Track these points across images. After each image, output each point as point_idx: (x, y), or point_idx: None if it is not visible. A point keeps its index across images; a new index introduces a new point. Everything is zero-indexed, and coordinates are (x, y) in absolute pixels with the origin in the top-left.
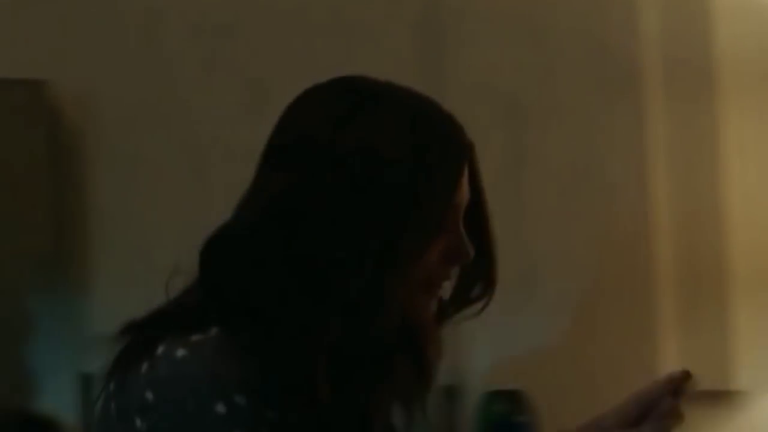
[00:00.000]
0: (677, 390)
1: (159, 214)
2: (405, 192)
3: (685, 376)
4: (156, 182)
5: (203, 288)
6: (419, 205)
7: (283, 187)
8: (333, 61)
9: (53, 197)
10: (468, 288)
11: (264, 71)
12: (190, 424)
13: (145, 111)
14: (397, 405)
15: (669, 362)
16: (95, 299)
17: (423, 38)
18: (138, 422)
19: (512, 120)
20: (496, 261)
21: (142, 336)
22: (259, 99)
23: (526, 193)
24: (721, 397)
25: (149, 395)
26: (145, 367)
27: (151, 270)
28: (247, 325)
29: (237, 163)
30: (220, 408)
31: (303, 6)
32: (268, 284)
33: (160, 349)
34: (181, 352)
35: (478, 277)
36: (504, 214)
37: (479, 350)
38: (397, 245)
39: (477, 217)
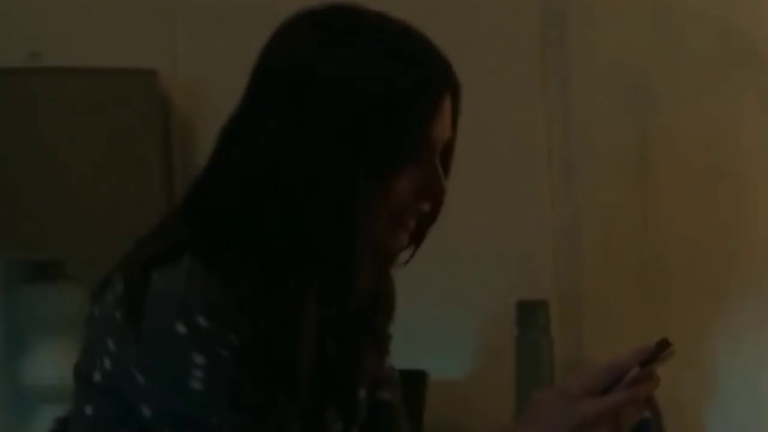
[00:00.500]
0: (652, 358)
1: None
2: (376, 120)
3: (664, 343)
4: None
5: (184, 218)
6: (389, 135)
7: (263, 117)
8: (455, 43)
9: (165, 189)
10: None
11: None
12: (154, 343)
13: None
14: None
15: None
16: None
17: (547, 21)
18: (110, 344)
19: (638, 102)
20: (437, 211)
21: (127, 263)
22: None
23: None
24: None
25: (117, 315)
26: (120, 289)
27: None
28: (220, 253)
29: None
30: (181, 328)
31: None
32: (242, 213)
33: (138, 274)
34: (154, 276)
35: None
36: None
37: None
38: (365, 170)
39: (445, 164)
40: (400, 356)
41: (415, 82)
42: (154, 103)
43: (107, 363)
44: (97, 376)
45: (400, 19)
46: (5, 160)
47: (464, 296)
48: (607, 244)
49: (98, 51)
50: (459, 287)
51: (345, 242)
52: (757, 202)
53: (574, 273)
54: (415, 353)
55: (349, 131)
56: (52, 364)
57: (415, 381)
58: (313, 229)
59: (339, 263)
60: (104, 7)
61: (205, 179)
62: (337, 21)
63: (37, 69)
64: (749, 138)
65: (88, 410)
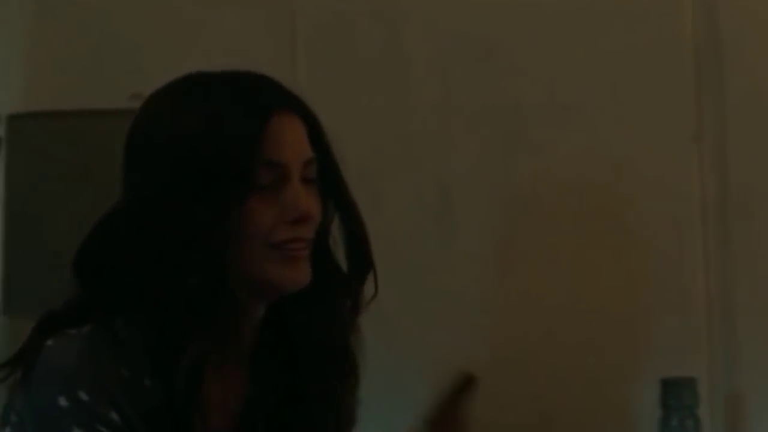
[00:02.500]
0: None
1: (399, 257)
2: (201, 160)
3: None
4: (395, 216)
5: (76, 278)
6: (217, 170)
7: (127, 188)
8: (606, 84)
9: None
10: (348, 264)
11: (520, 96)
12: (38, 413)
13: (377, 139)
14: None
15: None
16: None
17: (700, 58)
18: (12, 416)
19: None
20: (357, 234)
21: (36, 332)
22: (515, 126)
23: None
24: None
25: (20, 383)
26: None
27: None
28: (112, 319)
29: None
30: (63, 402)
31: (567, 26)
32: (127, 281)
33: (36, 339)
34: (49, 343)
35: (346, 251)
36: None
37: None
38: (205, 209)
39: (329, 184)
40: None
41: (230, 117)
42: None
43: (14, 418)
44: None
45: (240, 69)
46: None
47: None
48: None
49: None
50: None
51: (213, 280)
52: None
53: (728, 348)
54: None
55: (182, 177)
56: None
57: None
58: (182, 278)
59: (209, 301)
60: (207, 46)
61: (89, 240)
62: (171, 87)
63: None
64: None
65: None
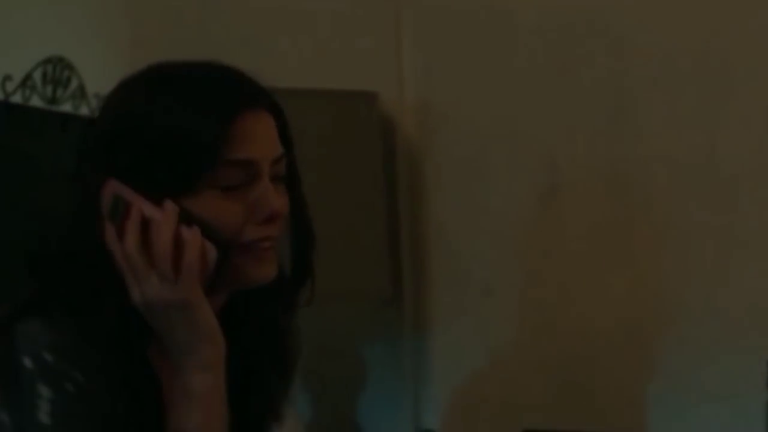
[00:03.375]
0: None
1: (507, 239)
2: (168, 150)
3: None
4: (503, 198)
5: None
6: (171, 170)
7: (80, 177)
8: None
9: (388, 219)
10: (296, 252)
11: (627, 74)
12: (7, 379)
13: (485, 122)
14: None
15: None
16: (435, 345)
17: None
18: None
19: None
20: (305, 237)
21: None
22: (625, 108)
23: None
24: None
25: None
26: None
27: (505, 306)
28: (72, 303)
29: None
30: (28, 362)
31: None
32: (72, 275)
33: (5, 326)
34: (17, 326)
35: (294, 239)
36: None
37: None
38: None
39: (290, 181)
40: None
41: (200, 111)
42: (375, 127)
43: None
44: None
45: (212, 60)
46: None
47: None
48: None
49: (319, 73)
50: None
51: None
52: None
53: None
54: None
55: (147, 164)
56: None
57: None
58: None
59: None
60: (325, 28)
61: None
62: (147, 75)
63: None
64: None
65: None
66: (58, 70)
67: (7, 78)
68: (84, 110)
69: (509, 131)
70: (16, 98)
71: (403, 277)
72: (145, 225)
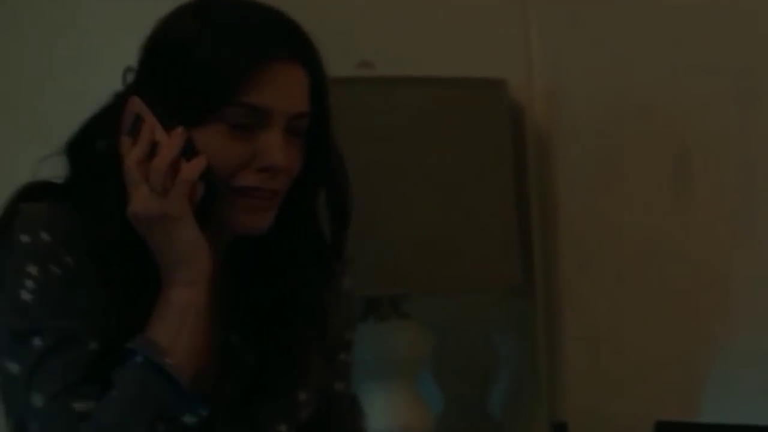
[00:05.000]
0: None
1: (638, 226)
2: (180, 81)
3: None
4: (633, 186)
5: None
6: (184, 92)
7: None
8: None
9: (518, 210)
10: (330, 219)
11: (756, 56)
12: (4, 248)
13: (615, 107)
14: None
15: None
16: (566, 335)
17: None
18: None
19: None
20: (337, 192)
21: (14, 197)
22: (760, 94)
23: None
24: None
25: None
26: None
27: (637, 295)
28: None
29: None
30: (24, 238)
31: None
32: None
33: (12, 206)
34: (22, 206)
35: (327, 207)
36: None
37: None
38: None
39: (320, 142)
40: None
41: (227, 49)
42: (503, 114)
43: None
44: None
45: (270, 7)
46: None
47: None
48: None
49: (447, 60)
50: None
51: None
52: None
53: None
54: None
55: (167, 89)
56: (384, 412)
57: None
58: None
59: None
60: (452, 15)
61: (85, 124)
62: (196, 3)
63: (368, 78)
64: None
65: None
66: None
67: (129, 70)
68: None
69: (640, 117)
70: None
71: (533, 265)
72: (154, 148)
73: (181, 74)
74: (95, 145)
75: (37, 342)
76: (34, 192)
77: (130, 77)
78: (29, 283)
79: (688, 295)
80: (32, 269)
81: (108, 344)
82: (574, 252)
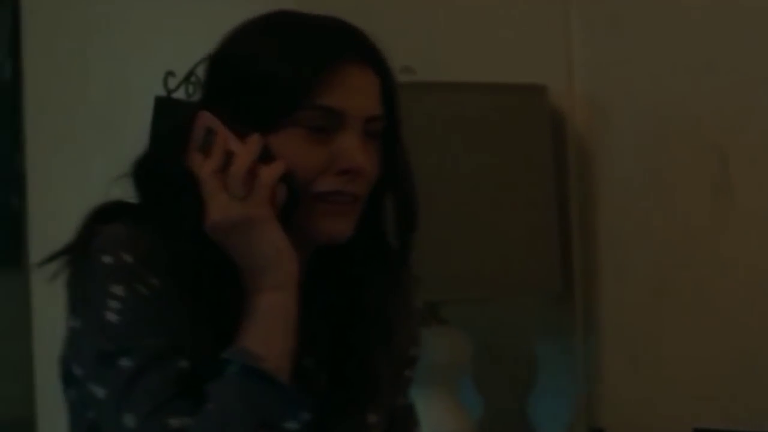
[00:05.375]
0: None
1: (678, 233)
2: (249, 89)
3: None
4: (674, 193)
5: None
6: (254, 99)
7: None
8: None
9: (559, 217)
10: (397, 223)
11: None
12: (83, 273)
13: (655, 114)
14: None
15: None
16: (606, 342)
17: None
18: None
19: None
20: (406, 195)
21: (90, 219)
22: None
23: None
24: None
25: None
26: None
27: (676, 303)
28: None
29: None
30: (107, 259)
31: None
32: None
33: (92, 225)
34: (102, 226)
35: (394, 211)
36: None
37: None
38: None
39: (391, 145)
40: None
41: (297, 54)
42: (544, 120)
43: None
44: (77, 369)
45: (331, 16)
46: None
47: None
48: None
49: (488, 66)
50: None
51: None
52: None
53: None
54: None
55: (238, 98)
56: (424, 418)
57: None
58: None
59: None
60: (494, 21)
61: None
62: (264, 19)
63: (409, 84)
64: None
65: (67, 406)
66: None
67: (170, 74)
68: None
69: (680, 123)
70: (179, 95)
71: (573, 272)
72: (229, 159)
73: (252, 83)
74: (164, 164)
75: (125, 363)
76: (108, 213)
77: (172, 82)
78: (114, 304)
79: (728, 303)
80: (117, 289)
81: (197, 361)
82: (614, 259)
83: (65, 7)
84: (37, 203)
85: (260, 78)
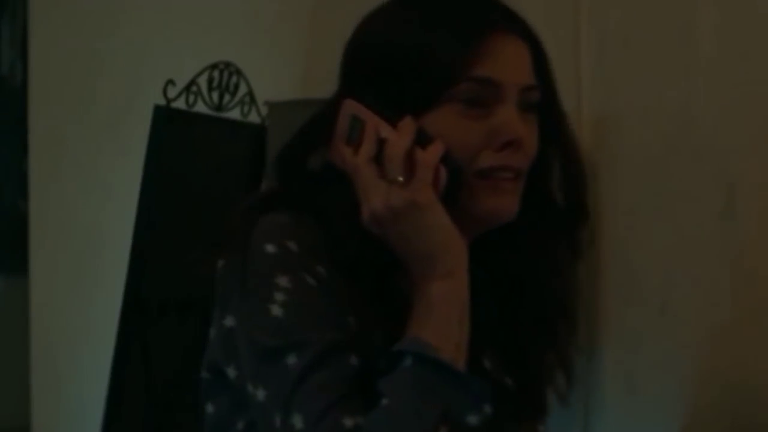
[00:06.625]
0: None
1: (684, 257)
2: (401, 69)
3: None
4: (680, 216)
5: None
6: (409, 77)
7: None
8: None
9: None
10: (567, 194)
11: None
12: (244, 267)
13: (663, 136)
14: None
15: None
16: (609, 364)
17: None
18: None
19: None
20: (576, 177)
21: (246, 211)
22: None
23: None
24: None
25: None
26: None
27: (680, 327)
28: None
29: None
30: (270, 248)
31: None
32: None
33: (251, 217)
34: (264, 215)
35: (563, 195)
36: None
37: None
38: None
39: (549, 119)
40: None
41: (445, 27)
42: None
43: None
44: (232, 372)
45: None
46: None
47: None
48: None
49: None
50: None
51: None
52: None
53: None
54: None
55: (387, 81)
56: None
57: None
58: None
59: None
60: None
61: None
62: (394, 1)
63: None
64: None
65: (210, 408)
66: (225, 76)
67: (170, 82)
68: (254, 117)
69: (687, 147)
70: (179, 104)
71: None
72: (381, 146)
73: (402, 61)
74: (308, 158)
75: (292, 360)
76: (266, 203)
77: (172, 91)
78: (280, 296)
79: (731, 329)
80: (282, 280)
81: (366, 355)
82: (619, 281)
83: (72, 12)
84: (40, 208)
85: (411, 55)
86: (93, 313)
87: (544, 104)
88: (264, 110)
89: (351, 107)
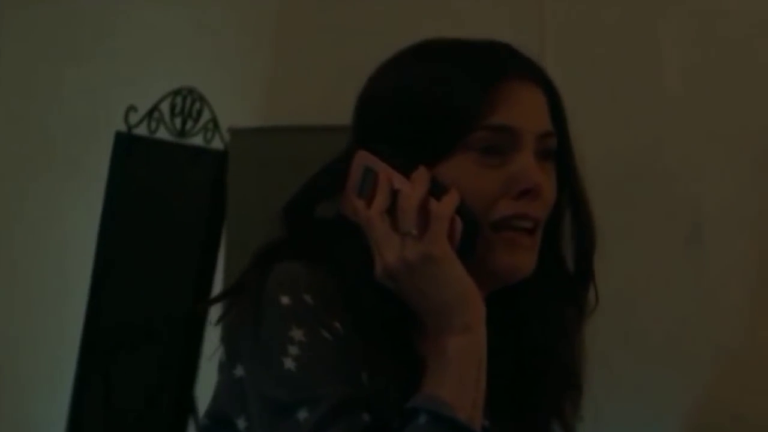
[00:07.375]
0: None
1: (650, 278)
2: (414, 117)
3: None
4: (645, 247)
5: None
6: (422, 126)
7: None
8: None
9: None
10: (577, 251)
11: None
12: (258, 318)
13: (628, 159)
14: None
15: None
16: None
17: None
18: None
19: None
20: (586, 232)
21: (256, 260)
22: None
23: None
24: None
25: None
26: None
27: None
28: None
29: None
30: (285, 300)
31: None
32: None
33: (262, 266)
34: (274, 266)
35: (575, 234)
36: None
37: None
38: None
39: (563, 168)
40: None
41: (460, 74)
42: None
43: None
44: (242, 423)
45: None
46: None
47: None
48: None
49: None
50: None
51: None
52: None
53: None
54: None
55: (392, 129)
56: None
57: None
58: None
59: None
60: None
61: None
62: (415, 48)
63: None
64: None
65: None
66: (188, 102)
67: (131, 108)
68: (217, 143)
69: (652, 169)
70: (140, 130)
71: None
72: (394, 197)
73: (414, 111)
74: (316, 208)
75: (303, 415)
76: (275, 253)
77: (134, 118)
78: (293, 350)
79: (702, 346)
80: (296, 333)
81: (379, 412)
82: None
83: (42, 37)
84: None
85: (425, 103)
86: (51, 344)
87: (560, 151)
88: (227, 136)
89: (364, 158)
